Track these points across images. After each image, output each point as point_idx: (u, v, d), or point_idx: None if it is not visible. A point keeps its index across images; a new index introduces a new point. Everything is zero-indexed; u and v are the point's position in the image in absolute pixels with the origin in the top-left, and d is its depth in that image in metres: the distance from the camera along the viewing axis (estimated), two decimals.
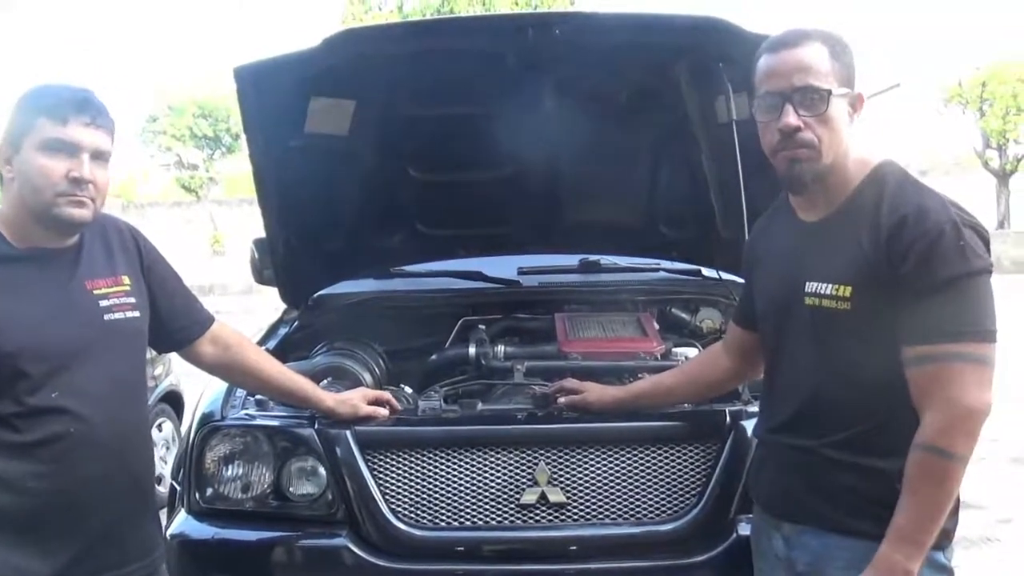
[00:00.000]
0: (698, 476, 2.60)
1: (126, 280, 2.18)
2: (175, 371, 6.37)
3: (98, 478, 2.05)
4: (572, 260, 4.01)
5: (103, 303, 2.12)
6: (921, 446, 1.82)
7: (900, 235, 1.85)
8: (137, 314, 2.18)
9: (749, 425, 2.57)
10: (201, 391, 3.02)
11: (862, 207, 1.95)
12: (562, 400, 2.71)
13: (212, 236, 28.51)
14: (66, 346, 2.04)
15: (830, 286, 1.94)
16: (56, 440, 2.00)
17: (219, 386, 2.90)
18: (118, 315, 2.13)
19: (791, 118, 1.92)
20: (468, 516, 2.60)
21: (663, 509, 2.59)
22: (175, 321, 2.36)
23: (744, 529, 2.48)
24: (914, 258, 1.83)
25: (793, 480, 2.06)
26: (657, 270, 3.98)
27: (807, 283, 1.98)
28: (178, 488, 2.85)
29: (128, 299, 2.17)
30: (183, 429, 5.74)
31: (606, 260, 4.00)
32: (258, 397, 2.82)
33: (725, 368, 2.48)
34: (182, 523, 2.70)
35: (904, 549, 1.82)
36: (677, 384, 2.60)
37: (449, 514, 2.61)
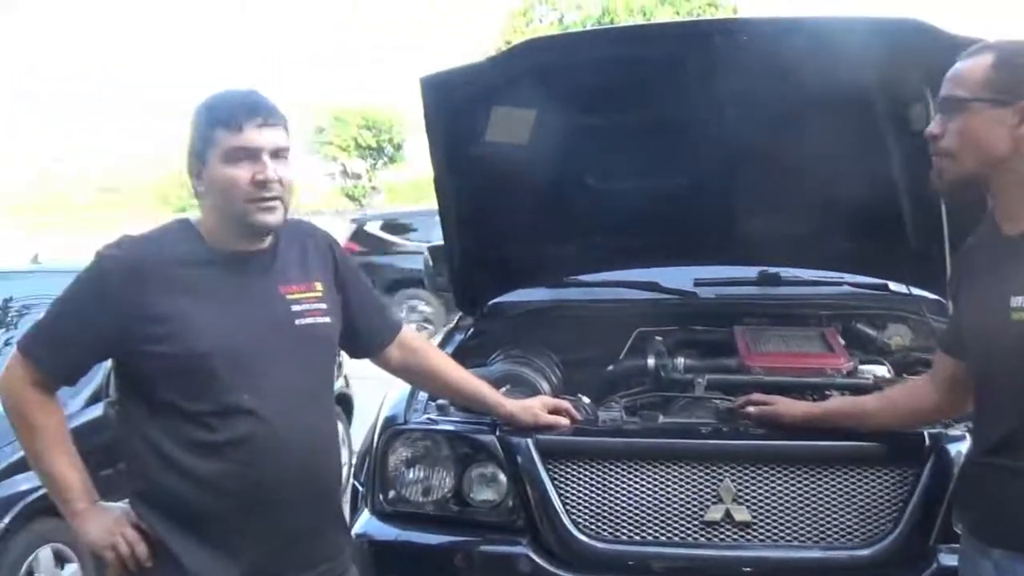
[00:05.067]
0: (894, 500, 2.49)
1: (319, 286, 2.20)
2: (345, 374, 6.53)
3: (285, 480, 2.07)
4: (751, 272, 3.91)
5: (295, 308, 2.14)
6: None
7: None
8: (328, 320, 2.20)
9: (951, 449, 2.47)
10: (383, 394, 3.08)
11: None
12: (751, 410, 2.63)
13: None
14: (257, 349, 2.07)
15: None
16: (245, 441, 2.04)
17: (402, 389, 2.95)
18: (309, 320, 2.15)
19: (932, 127, 2.01)
20: (649, 531, 2.57)
21: (856, 534, 2.49)
22: (368, 328, 2.39)
23: (946, 559, 2.37)
24: None
25: (1006, 504, 1.95)
26: (841, 284, 3.84)
27: (1012, 297, 1.89)
28: (361, 489, 2.91)
29: (319, 305, 2.18)
30: (354, 430, 5.92)
31: (786, 273, 3.89)
32: (440, 402, 2.85)
33: (932, 401, 2.32)
34: (366, 523, 2.76)
35: None
36: (878, 408, 2.49)
37: (630, 527, 2.58)
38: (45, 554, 3.83)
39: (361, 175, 35.09)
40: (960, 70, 1.98)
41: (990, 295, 1.97)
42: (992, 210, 2.05)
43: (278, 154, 2.07)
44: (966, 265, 2.16)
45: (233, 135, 2.03)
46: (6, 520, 3.68)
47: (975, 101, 1.92)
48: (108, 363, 2.26)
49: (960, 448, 2.47)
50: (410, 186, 35.40)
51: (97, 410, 4.20)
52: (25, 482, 3.64)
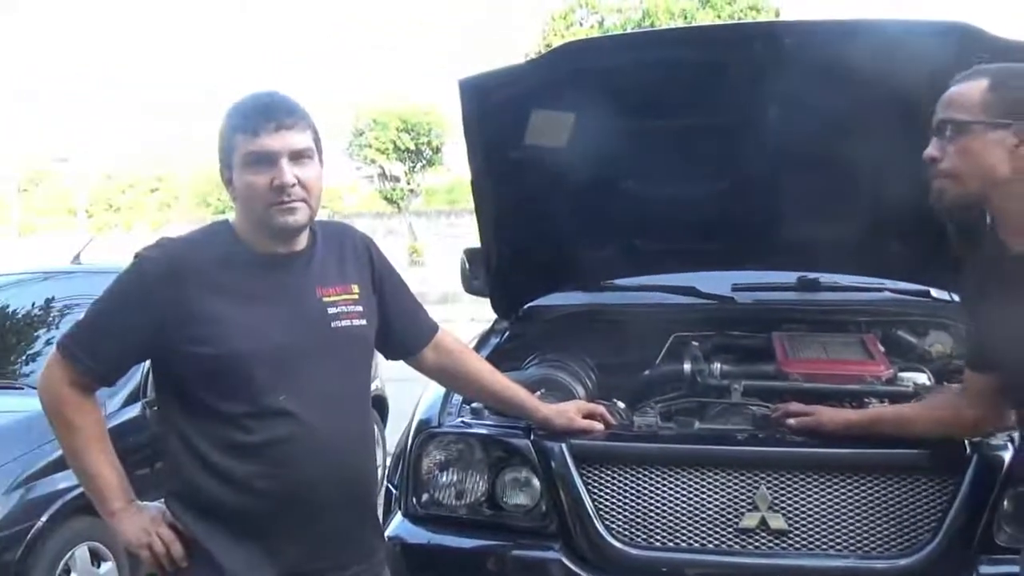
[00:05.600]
0: (934, 509, 2.46)
1: (355, 289, 2.21)
2: (380, 376, 6.54)
3: (320, 481, 2.07)
4: (789, 277, 3.87)
5: (331, 310, 2.15)
6: None
7: None
8: (363, 323, 2.20)
9: (992, 457, 2.43)
10: (418, 396, 3.08)
11: None
12: (791, 422, 2.60)
13: (411, 246, 29.34)
14: (294, 350, 2.08)
15: None
16: (281, 442, 2.04)
17: (436, 392, 2.95)
18: (345, 323, 2.15)
19: (930, 149, 2.07)
20: (683, 537, 2.55)
21: (894, 543, 2.46)
22: (404, 330, 2.39)
23: (986, 569, 2.36)
24: None
25: None
26: (881, 290, 3.78)
27: None
28: (394, 491, 2.91)
29: (355, 307, 2.19)
30: (389, 432, 5.94)
31: (826, 278, 3.84)
32: (474, 405, 2.85)
33: (969, 416, 2.32)
34: (398, 526, 2.76)
35: None
36: (919, 418, 2.47)
37: (664, 534, 2.56)
38: (81, 552, 3.86)
39: (400, 178, 35.15)
40: (956, 93, 2.05)
41: (1010, 314, 1.98)
42: (993, 229, 2.08)
43: (300, 155, 2.06)
44: (976, 284, 2.16)
45: (249, 140, 2.04)
46: (43, 518, 3.71)
47: (975, 123, 1.98)
48: (147, 363, 2.28)
49: (1003, 456, 2.43)
50: (446, 189, 35.46)
51: (135, 410, 4.25)
52: (63, 481, 3.68)
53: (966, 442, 2.48)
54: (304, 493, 2.06)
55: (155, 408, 2.22)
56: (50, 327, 4.80)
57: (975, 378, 2.24)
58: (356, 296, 2.20)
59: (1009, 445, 2.46)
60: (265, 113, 2.05)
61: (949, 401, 2.49)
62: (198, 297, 2.03)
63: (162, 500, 2.15)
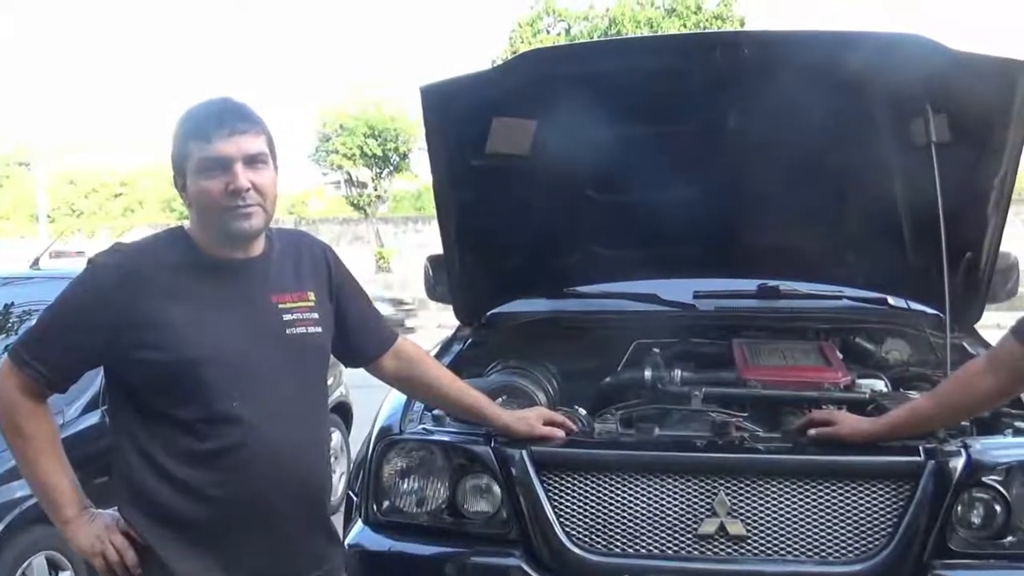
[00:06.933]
0: (889, 515, 2.48)
1: (311, 296, 2.20)
2: (344, 383, 6.53)
3: (273, 489, 2.06)
4: (750, 285, 3.90)
5: (286, 317, 2.14)
6: None
7: None
8: (319, 330, 2.19)
9: (945, 464, 2.46)
10: (381, 402, 3.07)
11: None
12: (812, 432, 2.61)
13: (377, 252, 29.28)
14: (247, 357, 2.06)
15: None
16: (234, 449, 2.03)
17: (397, 399, 2.94)
18: (300, 330, 2.15)
19: None
20: (643, 543, 2.56)
21: (850, 548, 2.48)
22: (362, 338, 2.39)
23: (940, 573, 2.39)
24: None
25: None
26: (840, 297, 3.82)
27: None
28: (355, 498, 2.90)
29: (311, 315, 2.18)
30: (353, 440, 5.92)
31: (785, 286, 3.87)
32: (435, 412, 2.85)
33: (988, 388, 2.35)
34: (359, 534, 2.75)
35: None
36: (935, 410, 2.49)
37: (624, 540, 2.57)
38: (39, 562, 3.81)
39: (367, 184, 35.01)
40: None
41: None
42: None
43: (254, 160, 2.05)
44: None
45: (203, 146, 2.03)
46: None
47: None
48: None
49: (956, 462, 2.47)
50: (414, 196, 35.39)
51: (94, 417, 4.20)
52: (19, 489, 3.61)
53: (920, 448, 2.51)
54: (256, 500, 2.05)
55: (110, 415, 2.19)
56: (8, 333, 4.74)
57: (1019, 350, 2.25)
58: (312, 303, 2.19)
59: (962, 451, 2.50)
60: (218, 119, 2.04)
61: (963, 386, 2.45)
62: (152, 303, 2.02)
63: (116, 508, 2.13)
